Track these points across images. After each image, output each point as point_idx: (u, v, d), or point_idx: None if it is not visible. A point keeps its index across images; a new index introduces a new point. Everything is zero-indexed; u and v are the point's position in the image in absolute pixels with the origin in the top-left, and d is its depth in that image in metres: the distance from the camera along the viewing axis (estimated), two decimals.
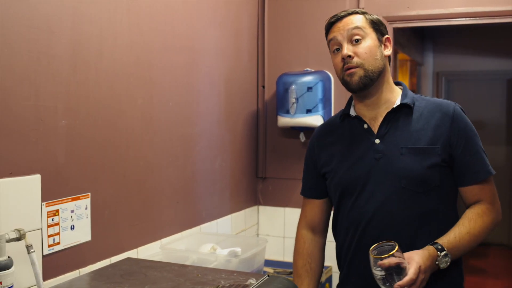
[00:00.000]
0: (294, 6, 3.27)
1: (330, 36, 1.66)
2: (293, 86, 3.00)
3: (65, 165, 1.77)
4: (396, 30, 3.18)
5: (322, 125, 1.88)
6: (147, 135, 2.21)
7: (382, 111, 1.66)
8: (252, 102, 3.29)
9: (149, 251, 2.22)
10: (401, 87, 1.73)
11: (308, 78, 3.01)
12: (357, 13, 1.66)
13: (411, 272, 1.42)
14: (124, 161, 2.07)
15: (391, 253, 1.40)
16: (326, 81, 3.04)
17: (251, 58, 3.25)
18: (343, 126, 1.75)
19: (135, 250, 2.14)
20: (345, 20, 1.64)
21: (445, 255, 1.51)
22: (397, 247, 1.40)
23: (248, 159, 3.25)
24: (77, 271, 1.83)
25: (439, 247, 1.52)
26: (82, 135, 1.84)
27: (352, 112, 1.73)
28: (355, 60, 1.59)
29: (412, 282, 1.41)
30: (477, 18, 2.97)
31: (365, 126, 1.67)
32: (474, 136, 1.63)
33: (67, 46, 1.77)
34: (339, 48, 1.64)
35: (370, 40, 1.61)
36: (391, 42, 1.69)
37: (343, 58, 1.61)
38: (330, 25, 1.67)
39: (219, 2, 2.82)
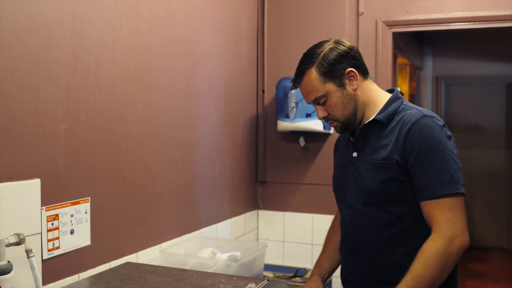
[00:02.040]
0: (294, 10, 3.28)
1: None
2: (293, 91, 3.01)
3: (65, 170, 1.77)
4: (395, 35, 3.19)
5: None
6: (147, 139, 2.21)
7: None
8: (252, 107, 3.29)
9: (149, 256, 2.22)
10: (391, 94, 1.74)
11: None
12: (308, 68, 1.67)
13: None
14: (123, 165, 2.07)
15: None
16: None
17: (250, 62, 3.25)
18: (346, 136, 1.86)
19: (134, 254, 2.14)
20: (302, 86, 1.70)
21: None
22: None
23: (248, 163, 3.25)
24: (77, 275, 1.83)
25: None
26: (81, 140, 1.84)
27: None
28: (330, 117, 1.70)
29: None
30: (476, 22, 2.98)
31: (352, 139, 1.78)
32: (430, 152, 1.54)
33: (67, 50, 1.78)
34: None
35: (332, 96, 1.66)
36: (356, 71, 1.66)
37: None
38: (294, 88, 1.77)
39: (218, 7, 2.83)
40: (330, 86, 1.65)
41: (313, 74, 1.66)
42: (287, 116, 3.05)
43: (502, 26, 2.94)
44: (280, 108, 3.09)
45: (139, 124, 2.16)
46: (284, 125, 3.08)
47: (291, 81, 1.76)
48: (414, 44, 6.10)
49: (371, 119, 1.69)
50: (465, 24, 3.00)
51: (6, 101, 1.54)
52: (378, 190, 1.62)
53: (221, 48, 2.87)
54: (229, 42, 2.96)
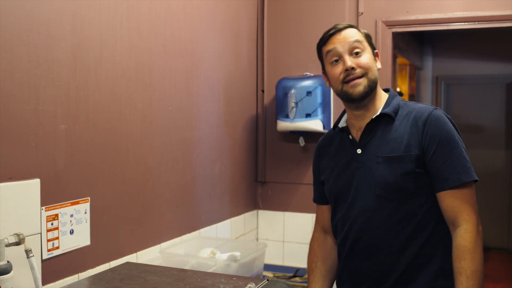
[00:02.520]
0: (294, 10, 3.28)
1: (329, 47, 1.69)
2: (293, 91, 3.01)
3: (65, 170, 1.77)
4: (395, 35, 3.19)
5: (324, 135, 1.95)
6: (147, 139, 2.21)
7: (366, 121, 1.71)
8: (252, 107, 3.29)
9: (149, 256, 2.22)
10: (388, 93, 1.77)
11: (307, 83, 3.01)
12: (352, 27, 1.71)
13: None
14: (123, 165, 2.07)
15: None
16: (325, 86, 3.04)
17: (250, 62, 3.25)
18: (336, 137, 1.83)
19: (134, 254, 2.14)
20: (345, 32, 1.68)
21: None
22: None
23: (248, 163, 3.25)
24: (76, 275, 1.83)
25: None
26: (81, 140, 1.84)
27: (341, 124, 1.81)
28: (359, 70, 1.64)
29: None
30: (476, 22, 2.98)
31: (350, 137, 1.75)
32: (449, 142, 1.60)
33: (67, 50, 1.78)
34: (337, 60, 1.67)
35: (368, 54, 1.68)
36: (379, 57, 1.75)
37: (346, 70, 1.65)
38: (328, 37, 1.70)
39: (218, 7, 2.83)
40: (368, 47, 1.69)
41: (356, 30, 1.71)
42: (287, 116, 3.05)
43: (502, 26, 2.94)
44: (280, 108, 3.09)
45: (139, 124, 2.16)
46: (284, 125, 3.08)
47: (332, 29, 1.71)
48: (414, 44, 6.11)
49: (378, 113, 1.69)
50: (465, 24, 3.00)
51: (6, 101, 1.55)
52: (395, 184, 1.61)
53: (221, 48, 2.87)
54: (229, 42, 2.96)
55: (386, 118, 1.68)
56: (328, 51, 1.69)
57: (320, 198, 1.92)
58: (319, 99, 2.99)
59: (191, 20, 2.54)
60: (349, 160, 1.73)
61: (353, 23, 3.12)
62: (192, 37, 2.56)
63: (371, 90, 1.66)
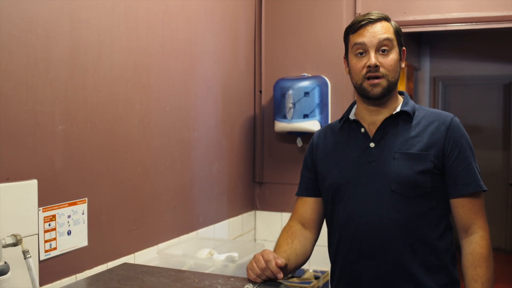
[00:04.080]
0: (291, 11, 3.28)
1: (358, 39, 1.62)
2: (290, 91, 3.01)
3: (62, 170, 1.77)
4: None
5: (324, 127, 1.89)
6: (145, 140, 2.21)
7: (381, 117, 1.68)
8: (249, 107, 3.29)
9: (146, 256, 2.21)
10: (403, 96, 1.76)
11: (305, 83, 3.02)
12: (386, 19, 1.65)
13: None
14: (121, 166, 2.07)
15: None
16: (323, 86, 3.04)
17: (248, 63, 3.25)
18: (342, 129, 1.77)
19: (132, 255, 2.14)
20: (377, 26, 1.62)
21: None
22: None
23: (245, 164, 3.25)
24: (74, 276, 1.83)
25: None
26: (79, 140, 1.84)
27: (351, 116, 1.75)
28: (381, 70, 1.60)
29: None
30: (474, 23, 2.98)
31: (362, 130, 1.69)
32: (469, 150, 1.63)
33: (65, 51, 1.78)
34: (363, 53, 1.62)
35: (395, 53, 1.63)
36: (405, 54, 1.70)
37: (368, 66, 1.60)
38: (359, 27, 1.63)
39: (216, 8, 2.83)
40: (396, 46, 1.65)
41: (389, 24, 1.65)
42: (284, 117, 3.05)
43: (500, 27, 2.95)
44: (278, 109, 3.09)
45: (137, 125, 2.16)
46: (281, 125, 3.08)
47: (364, 19, 1.63)
48: (412, 44, 6.11)
49: (398, 109, 1.67)
50: (462, 25, 3.01)
51: (4, 101, 1.54)
52: (412, 181, 1.58)
53: (219, 48, 2.87)
54: (226, 43, 2.96)
55: (404, 116, 1.67)
56: (355, 43, 1.63)
57: (306, 189, 1.82)
58: (316, 99, 2.99)
59: (189, 20, 2.54)
60: (360, 154, 1.66)
61: None
62: (190, 38, 2.56)
63: (389, 92, 1.63)
